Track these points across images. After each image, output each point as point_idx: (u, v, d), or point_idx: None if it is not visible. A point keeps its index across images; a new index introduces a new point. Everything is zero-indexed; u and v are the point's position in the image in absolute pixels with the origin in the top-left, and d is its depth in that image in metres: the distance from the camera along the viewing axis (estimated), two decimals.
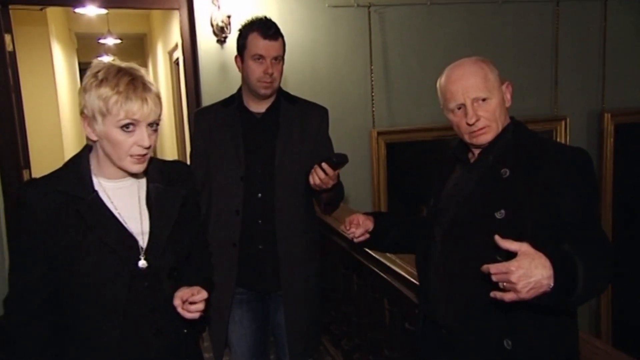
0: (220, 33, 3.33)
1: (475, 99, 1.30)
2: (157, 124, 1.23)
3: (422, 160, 3.72)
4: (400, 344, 2.25)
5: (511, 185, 1.24)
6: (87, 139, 1.25)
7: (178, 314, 1.28)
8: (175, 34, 5.27)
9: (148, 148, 1.21)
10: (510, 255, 1.15)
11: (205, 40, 3.37)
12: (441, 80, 1.36)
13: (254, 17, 1.89)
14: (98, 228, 1.21)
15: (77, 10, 5.28)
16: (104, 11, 5.54)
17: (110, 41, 7.48)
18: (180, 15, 3.42)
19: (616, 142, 4.04)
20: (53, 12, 5.73)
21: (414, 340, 1.58)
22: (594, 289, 1.10)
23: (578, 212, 1.18)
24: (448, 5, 3.77)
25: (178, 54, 5.10)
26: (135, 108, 1.17)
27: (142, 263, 1.25)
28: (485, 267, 1.08)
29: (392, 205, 3.77)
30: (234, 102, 1.94)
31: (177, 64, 5.39)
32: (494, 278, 1.06)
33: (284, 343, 1.99)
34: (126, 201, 1.27)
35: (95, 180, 1.25)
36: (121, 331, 1.24)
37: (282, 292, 1.91)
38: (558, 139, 3.90)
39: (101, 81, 1.17)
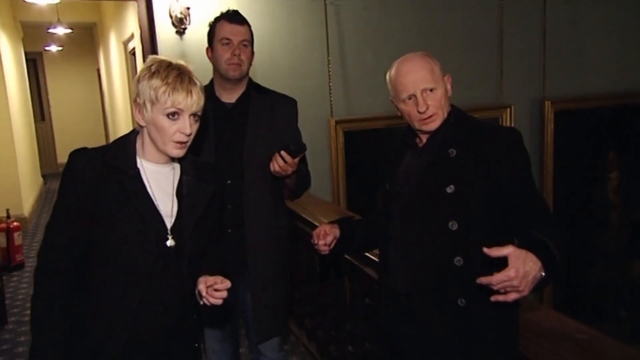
0: (180, 24, 3.36)
1: (424, 89, 1.44)
2: (199, 115, 1.36)
3: (379, 147, 3.87)
4: (360, 319, 2.41)
5: (458, 163, 1.41)
6: (137, 124, 1.37)
7: (191, 299, 1.40)
8: (130, 24, 5.20)
9: (189, 135, 1.34)
10: (470, 255, 1.34)
11: (164, 31, 3.39)
12: (391, 73, 1.50)
13: (222, 12, 1.99)
14: (134, 201, 1.33)
15: None
16: (54, 0, 5.39)
17: (61, 30, 7.25)
18: (138, 7, 3.42)
19: (556, 128, 4.34)
20: None
21: (374, 315, 1.73)
22: (564, 262, 1.29)
23: (517, 181, 1.38)
24: None
25: (134, 44, 5.04)
26: (181, 98, 1.29)
27: (170, 242, 1.37)
28: (484, 280, 1.19)
29: (351, 192, 3.92)
30: (205, 92, 2.01)
31: (134, 54, 5.32)
32: (496, 287, 1.18)
33: (253, 324, 2.09)
34: (161, 184, 1.39)
35: (138, 159, 1.37)
36: (139, 301, 1.34)
37: (249, 274, 2.01)
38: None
39: (153, 73, 1.30)
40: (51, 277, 1.34)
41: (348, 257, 2.32)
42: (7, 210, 5.00)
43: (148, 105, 1.31)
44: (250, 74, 2.06)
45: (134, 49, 5.19)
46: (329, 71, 3.81)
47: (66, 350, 1.34)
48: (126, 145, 1.39)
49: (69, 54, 10.35)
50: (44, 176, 9.02)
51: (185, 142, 1.35)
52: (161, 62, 1.32)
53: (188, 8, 3.36)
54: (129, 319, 1.35)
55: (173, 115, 1.30)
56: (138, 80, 1.33)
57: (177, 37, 3.41)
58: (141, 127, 1.37)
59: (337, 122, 3.85)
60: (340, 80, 3.88)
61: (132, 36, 5.24)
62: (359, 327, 2.45)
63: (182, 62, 1.35)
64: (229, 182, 1.95)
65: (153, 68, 1.31)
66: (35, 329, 1.34)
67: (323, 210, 2.90)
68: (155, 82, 1.29)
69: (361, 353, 2.43)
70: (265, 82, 2.19)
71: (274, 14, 3.65)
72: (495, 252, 1.19)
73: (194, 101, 1.31)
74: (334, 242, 1.66)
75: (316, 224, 2.67)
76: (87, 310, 1.36)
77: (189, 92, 1.30)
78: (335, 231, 1.66)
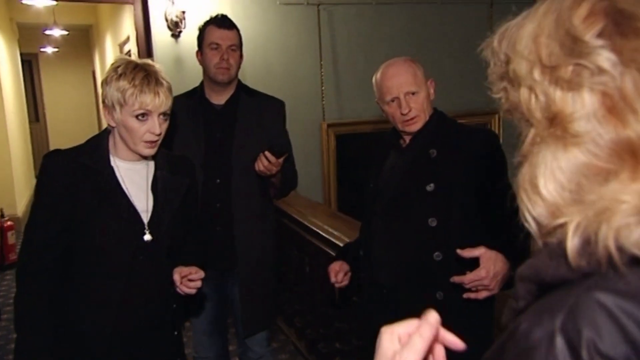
0: (175, 28, 3.42)
1: (407, 92, 1.52)
2: (168, 114, 1.40)
3: (370, 150, 3.93)
4: (348, 316, 2.47)
5: (438, 163, 1.49)
6: (108, 124, 1.41)
7: (170, 289, 1.46)
8: (126, 27, 5.26)
9: (159, 135, 1.38)
10: (449, 251, 1.41)
11: (160, 34, 3.46)
12: (377, 77, 1.58)
13: (211, 16, 2.05)
14: (111, 199, 1.38)
15: (25, 1, 5.17)
16: (52, 2, 5.44)
17: (57, 32, 7.30)
18: (134, 10, 3.48)
19: None
20: None
21: (361, 310, 1.79)
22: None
23: (493, 181, 1.45)
24: (392, 5, 4.02)
25: (130, 46, 5.10)
26: (149, 100, 1.32)
27: (147, 237, 1.42)
28: (456, 279, 1.32)
29: (342, 193, 3.99)
30: (196, 94, 2.09)
31: (129, 56, 5.37)
32: (468, 286, 1.31)
33: (241, 318, 2.15)
34: (135, 181, 1.44)
35: (111, 158, 1.41)
36: (121, 294, 1.40)
37: (238, 270, 2.07)
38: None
39: (120, 75, 1.32)
40: (33, 276, 1.38)
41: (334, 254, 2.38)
42: (1, 210, 5.04)
43: (117, 107, 1.34)
44: (244, 78, 2.13)
45: (129, 51, 5.24)
46: (322, 75, 3.89)
47: (52, 347, 1.38)
48: (99, 145, 1.42)
49: (65, 55, 10.37)
50: (37, 176, 9.03)
51: (155, 141, 1.39)
52: (127, 63, 1.34)
53: (183, 12, 3.42)
54: (113, 312, 1.40)
55: (142, 116, 1.34)
56: (105, 82, 1.35)
57: (172, 40, 3.47)
58: (112, 127, 1.41)
59: (328, 126, 3.92)
60: (332, 85, 3.96)
61: (127, 39, 5.29)
62: (346, 323, 2.51)
63: (148, 62, 1.37)
64: (218, 181, 2.02)
65: (120, 70, 1.33)
66: (19, 328, 1.38)
67: (314, 211, 2.96)
68: (123, 84, 1.31)
69: (348, 350, 2.49)
70: (258, 85, 2.26)
71: (267, 19, 3.73)
72: (467, 253, 1.29)
73: (161, 101, 1.34)
74: (348, 273, 1.70)
75: (306, 224, 2.74)
76: (71, 305, 1.41)
77: (156, 93, 1.33)
78: (345, 266, 1.70)
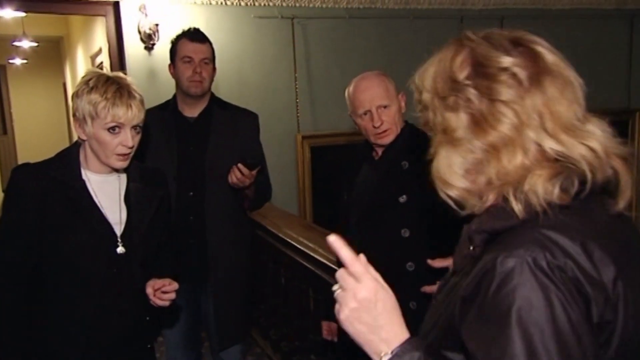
0: (148, 40, 3.41)
1: (379, 106, 1.55)
2: (140, 127, 1.39)
3: (344, 162, 3.96)
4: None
5: (410, 174, 1.52)
6: (78, 137, 1.39)
7: (144, 301, 1.44)
8: (98, 39, 5.21)
9: (131, 147, 1.37)
10: (421, 261, 1.43)
11: (133, 46, 3.43)
12: (349, 90, 1.60)
13: (183, 29, 2.06)
14: (82, 212, 1.36)
15: None
16: (21, 14, 5.35)
17: (26, 44, 7.16)
18: (107, 22, 3.46)
19: None
20: None
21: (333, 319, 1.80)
22: None
23: None
24: (365, 20, 4.09)
25: (102, 58, 5.04)
26: (121, 113, 1.31)
27: (120, 249, 1.40)
28: (427, 289, 1.36)
29: (317, 205, 4.00)
30: (169, 106, 2.08)
31: (101, 68, 5.31)
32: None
33: (215, 331, 2.14)
34: (107, 194, 1.42)
35: (82, 171, 1.39)
36: (94, 308, 1.38)
37: (211, 283, 2.05)
38: None
39: (92, 88, 1.31)
40: (4, 293, 1.35)
41: (311, 267, 2.39)
42: None
43: (88, 120, 1.33)
44: (218, 90, 2.13)
45: (101, 63, 5.18)
46: (296, 88, 3.91)
47: None
48: (69, 158, 1.41)
49: (34, 67, 10.16)
50: (4, 190, 8.79)
51: (127, 154, 1.38)
52: (99, 76, 1.34)
53: (157, 24, 3.41)
54: (86, 326, 1.38)
55: (114, 129, 1.33)
56: (77, 95, 1.34)
57: (145, 52, 3.45)
58: (82, 140, 1.39)
59: (303, 138, 3.94)
60: (307, 97, 3.99)
61: (100, 51, 5.23)
62: (321, 336, 2.51)
63: (120, 75, 1.37)
64: (191, 193, 2.01)
65: (91, 83, 1.32)
66: None
67: (289, 222, 2.96)
68: (94, 97, 1.31)
69: None
70: (233, 98, 2.26)
71: (242, 31, 3.74)
72: (438, 263, 1.31)
73: (134, 114, 1.34)
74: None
75: (281, 236, 2.73)
76: (43, 319, 1.39)
77: (129, 105, 1.33)
78: (334, 325, 1.77)
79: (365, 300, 0.74)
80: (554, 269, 0.63)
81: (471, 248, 0.75)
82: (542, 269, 0.63)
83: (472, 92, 0.72)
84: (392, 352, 0.71)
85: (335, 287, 0.77)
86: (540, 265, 0.63)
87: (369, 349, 0.73)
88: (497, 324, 0.62)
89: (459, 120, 0.74)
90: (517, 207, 0.68)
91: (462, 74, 0.73)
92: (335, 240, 0.77)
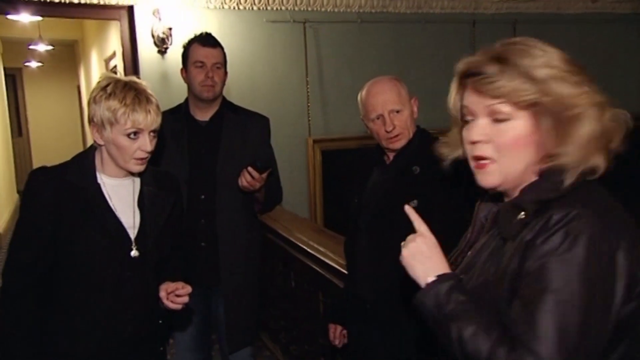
0: (162, 44, 3.44)
1: (392, 110, 1.55)
2: (157, 131, 1.40)
3: (355, 166, 3.95)
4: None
5: (421, 179, 1.51)
6: (94, 141, 1.41)
7: (156, 305, 1.45)
8: (112, 42, 5.26)
9: (150, 152, 1.39)
10: None
11: (146, 50, 3.47)
12: (362, 94, 1.60)
13: (195, 34, 2.08)
14: (97, 216, 1.37)
15: (10, 17, 5.14)
16: (37, 18, 5.43)
17: (42, 47, 7.27)
18: (120, 25, 3.49)
19: None
20: None
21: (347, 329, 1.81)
22: None
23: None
24: (377, 24, 4.09)
25: (116, 61, 5.10)
26: (141, 118, 1.33)
27: (134, 253, 1.41)
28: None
29: (328, 209, 3.99)
30: (181, 110, 2.10)
31: (115, 72, 5.37)
32: None
33: (225, 334, 2.14)
34: (121, 197, 1.43)
35: (97, 175, 1.41)
36: (107, 310, 1.39)
37: (222, 286, 2.06)
38: None
39: (110, 94, 1.32)
40: (18, 295, 1.37)
41: (321, 271, 2.38)
42: None
43: (107, 126, 1.34)
44: (230, 94, 2.15)
45: (115, 66, 5.24)
46: (308, 92, 3.92)
47: None
48: (85, 162, 1.42)
49: (49, 70, 10.30)
50: (20, 192, 8.90)
51: (145, 158, 1.40)
52: (116, 82, 1.35)
53: (170, 28, 3.44)
54: (98, 329, 1.39)
55: (134, 134, 1.35)
56: (94, 101, 1.35)
57: (158, 56, 3.49)
58: (99, 145, 1.41)
59: (314, 142, 3.94)
60: (319, 101, 3.99)
61: (114, 54, 5.29)
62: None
63: (136, 80, 1.38)
64: (203, 197, 2.02)
65: (109, 89, 1.33)
66: (3, 348, 1.36)
67: (299, 226, 2.96)
68: (113, 103, 1.32)
69: None
70: (244, 102, 2.27)
71: (254, 35, 3.76)
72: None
73: (152, 119, 1.35)
74: (343, 331, 1.77)
75: (292, 239, 2.74)
76: (55, 321, 1.40)
77: (147, 111, 1.34)
78: (339, 329, 1.77)
79: (421, 241, 1.01)
80: (605, 214, 0.83)
81: (522, 215, 0.88)
82: (599, 212, 0.83)
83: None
84: (436, 276, 0.95)
85: (403, 243, 1.03)
86: (596, 212, 0.82)
87: (421, 274, 0.98)
88: (568, 245, 0.80)
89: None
90: (568, 181, 0.85)
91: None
92: (408, 209, 1.06)
